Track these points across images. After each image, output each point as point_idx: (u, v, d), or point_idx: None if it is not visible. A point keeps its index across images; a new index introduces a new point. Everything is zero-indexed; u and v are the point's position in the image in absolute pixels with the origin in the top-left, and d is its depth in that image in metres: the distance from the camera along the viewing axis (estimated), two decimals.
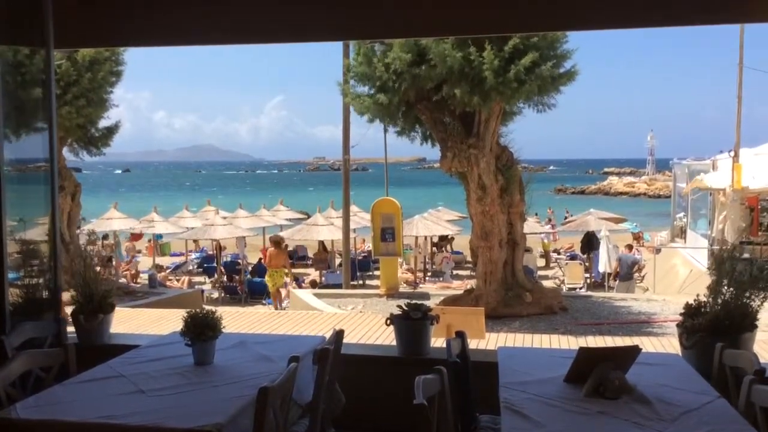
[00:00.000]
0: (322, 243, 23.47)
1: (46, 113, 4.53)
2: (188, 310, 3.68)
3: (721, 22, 4.49)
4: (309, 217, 26.19)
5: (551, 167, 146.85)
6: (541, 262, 24.32)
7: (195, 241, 26.76)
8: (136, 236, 26.38)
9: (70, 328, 4.57)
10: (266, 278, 16.64)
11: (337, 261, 22.49)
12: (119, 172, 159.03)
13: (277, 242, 16.47)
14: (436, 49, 10.92)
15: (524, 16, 4.51)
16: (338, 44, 15.83)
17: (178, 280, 21.02)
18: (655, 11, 4.23)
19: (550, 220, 29.63)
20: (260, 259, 22.41)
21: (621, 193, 71.79)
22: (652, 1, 4.23)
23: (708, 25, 4.52)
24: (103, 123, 15.58)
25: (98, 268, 4.97)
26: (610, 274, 18.85)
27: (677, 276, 18.66)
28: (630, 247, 20.18)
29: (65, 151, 15.17)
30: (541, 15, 4.46)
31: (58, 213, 4.64)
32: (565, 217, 29.75)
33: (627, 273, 17.31)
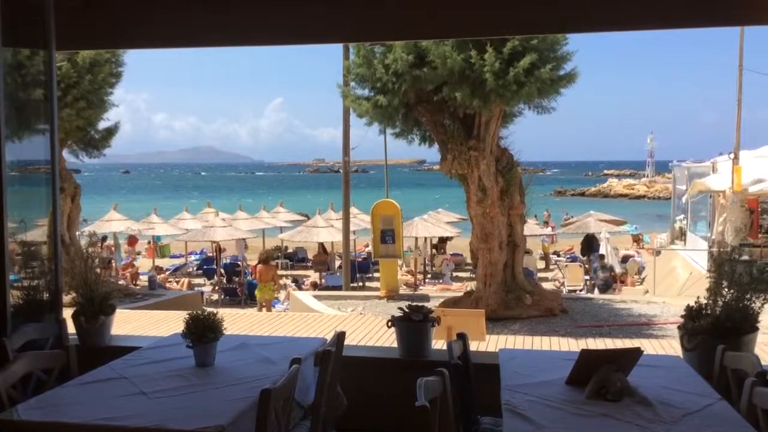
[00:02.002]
0: (321, 245, 23.48)
1: (47, 115, 4.53)
2: (189, 311, 3.68)
3: (721, 25, 4.50)
4: (309, 218, 26.19)
5: (551, 169, 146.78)
6: (541, 264, 24.33)
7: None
8: (132, 240, 26.40)
9: (71, 330, 4.57)
10: (256, 292, 16.99)
11: (337, 263, 22.50)
12: (119, 173, 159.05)
13: (265, 259, 16.93)
14: (436, 51, 10.94)
15: (524, 18, 4.52)
16: (338, 46, 15.85)
17: (177, 282, 21.02)
18: (655, 13, 4.23)
19: (546, 222, 29.61)
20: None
21: (620, 195, 71.78)
22: (653, 4, 4.23)
23: (708, 28, 4.52)
24: (102, 124, 15.62)
25: (98, 270, 4.96)
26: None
27: (677, 278, 18.66)
28: (602, 256, 20.12)
29: (65, 153, 15.17)
30: (541, 17, 4.46)
31: (59, 214, 4.64)
32: (564, 218, 29.74)
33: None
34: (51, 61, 4.52)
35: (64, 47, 4.98)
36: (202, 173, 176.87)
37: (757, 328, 3.96)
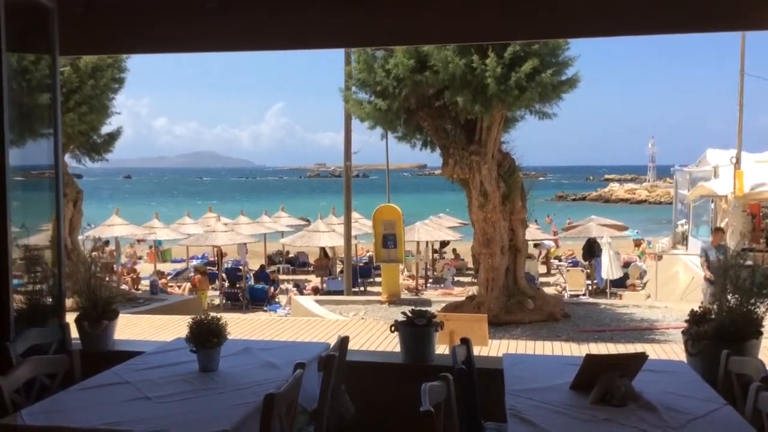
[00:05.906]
0: (323, 249, 23.50)
1: (51, 120, 4.54)
2: (192, 316, 3.68)
3: (722, 30, 4.52)
4: (310, 223, 26.20)
5: (552, 174, 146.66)
6: (543, 269, 24.31)
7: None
8: (138, 240, 26.46)
9: (74, 335, 4.56)
10: None
11: (339, 267, 22.49)
12: (120, 178, 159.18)
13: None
14: (438, 56, 10.95)
15: (527, 24, 4.52)
16: (340, 50, 15.88)
17: (179, 287, 21.02)
18: (657, 19, 4.24)
19: (555, 233, 29.52)
20: (262, 265, 22.46)
21: (622, 200, 71.74)
22: (655, 10, 4.24)
23: (710, 32, 4.53)
24: (104, 129, 15.66)
25: (99, 274, 4.95)
26: (613, 281, 18.91)
27: (679, 283, 18.64)
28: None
29: (66, 157, 15.20)
30: (543, 23, 4.47)
31: (63, 219, 4.64)
32: (567, 223, 29.70)
33: None
34: (55, 66, 4.53)
35: (68, 52, 4.99)
36: (204, 178, 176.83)
37: (761, 333, 3.95)
